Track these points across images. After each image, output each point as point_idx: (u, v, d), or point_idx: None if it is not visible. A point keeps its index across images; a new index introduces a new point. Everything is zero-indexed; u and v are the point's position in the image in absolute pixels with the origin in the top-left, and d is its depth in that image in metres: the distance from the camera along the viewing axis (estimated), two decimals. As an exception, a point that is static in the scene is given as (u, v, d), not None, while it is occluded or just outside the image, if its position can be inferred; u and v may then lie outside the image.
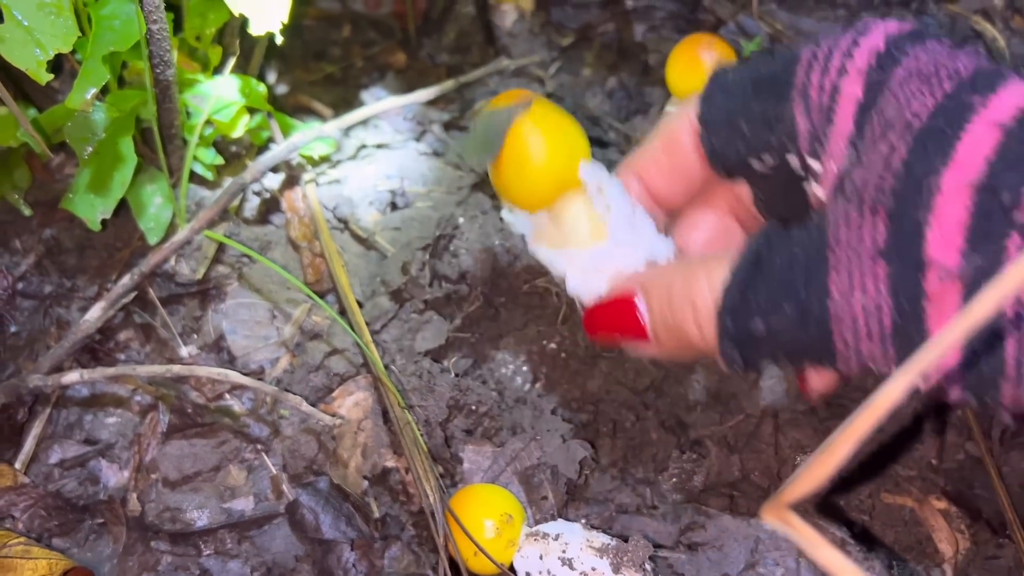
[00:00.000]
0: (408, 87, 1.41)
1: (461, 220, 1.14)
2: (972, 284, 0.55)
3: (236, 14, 0.94)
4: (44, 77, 0.87)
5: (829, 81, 0.66)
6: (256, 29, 0.95)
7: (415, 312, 1.11)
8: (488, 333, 1.12)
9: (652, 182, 0.81)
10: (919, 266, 0.57)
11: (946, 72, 0.61)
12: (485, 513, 0.87)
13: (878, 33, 0.66)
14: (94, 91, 0.92)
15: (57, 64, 0.95)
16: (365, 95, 1.39)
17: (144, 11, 0.93)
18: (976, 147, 0.57)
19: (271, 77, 1.39)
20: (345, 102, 1.38)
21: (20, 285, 1.15)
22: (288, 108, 1.35)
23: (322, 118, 1.34)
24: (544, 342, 1.11)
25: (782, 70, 0.70)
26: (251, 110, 1.14)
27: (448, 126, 1.35)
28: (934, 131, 0.59)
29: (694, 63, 1.22)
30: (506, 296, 1.14)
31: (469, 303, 1.12)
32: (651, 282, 0.73)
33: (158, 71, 1.00)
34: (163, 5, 0.95)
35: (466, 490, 0.92)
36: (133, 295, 1.06)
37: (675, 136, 0.77)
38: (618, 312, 0.74)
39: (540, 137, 0.73)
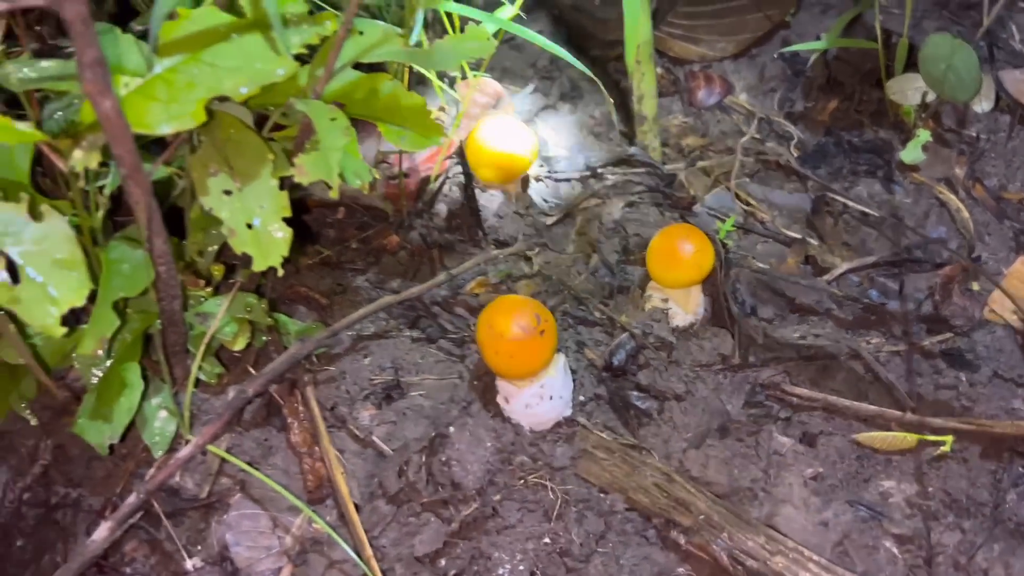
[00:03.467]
0: (402, 270, 1.47)
1: (452, 429, 1.18)
2: None
3: (239, 252, 1.00)
4: (58, 332, 0.92)
5: None
6: (259, 267, 1.00)
7: (412, 515, 1.14)
8: (484, 530, 1.15)
9: None
10: None
11: None
12: None
13: None
14: (105, 337, 0.97)
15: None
16: (360, 280, 1.44)
17: (153, 256, 0.99)
18: None
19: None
20: (341, 288, 1.43)
21: (26, 495, 1.18)
22: (286, 298, 1.41)
23: (320, 306, 1.39)
24: (540, 539, 1.14)
25: None
26: (252, 322, 1.19)
27: (440, 308, 1.40)
28: None
29: (674, 255, 1.28)
30: (502, 493, 1.17)
31: (465, 504, 1.15)
32: None
33: (164, 303, 1.05)
34: (170, 249, 1.00)
35: None
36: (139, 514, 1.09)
37: None
38: None
39: None
